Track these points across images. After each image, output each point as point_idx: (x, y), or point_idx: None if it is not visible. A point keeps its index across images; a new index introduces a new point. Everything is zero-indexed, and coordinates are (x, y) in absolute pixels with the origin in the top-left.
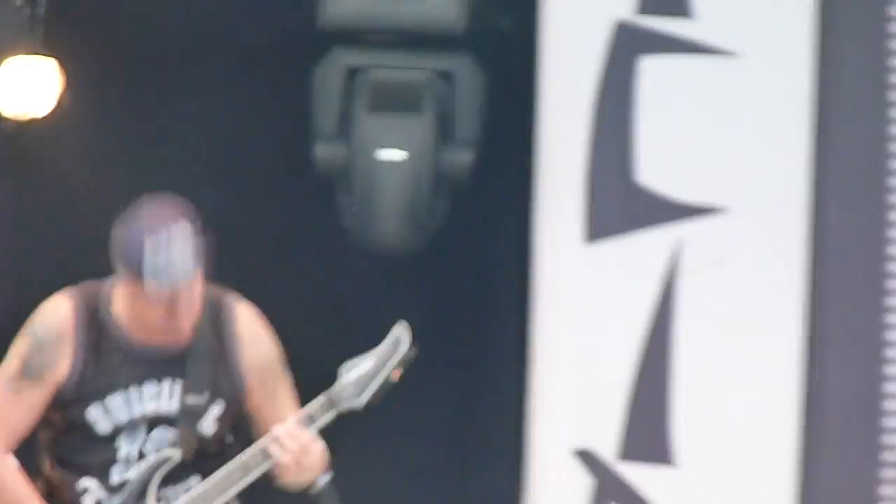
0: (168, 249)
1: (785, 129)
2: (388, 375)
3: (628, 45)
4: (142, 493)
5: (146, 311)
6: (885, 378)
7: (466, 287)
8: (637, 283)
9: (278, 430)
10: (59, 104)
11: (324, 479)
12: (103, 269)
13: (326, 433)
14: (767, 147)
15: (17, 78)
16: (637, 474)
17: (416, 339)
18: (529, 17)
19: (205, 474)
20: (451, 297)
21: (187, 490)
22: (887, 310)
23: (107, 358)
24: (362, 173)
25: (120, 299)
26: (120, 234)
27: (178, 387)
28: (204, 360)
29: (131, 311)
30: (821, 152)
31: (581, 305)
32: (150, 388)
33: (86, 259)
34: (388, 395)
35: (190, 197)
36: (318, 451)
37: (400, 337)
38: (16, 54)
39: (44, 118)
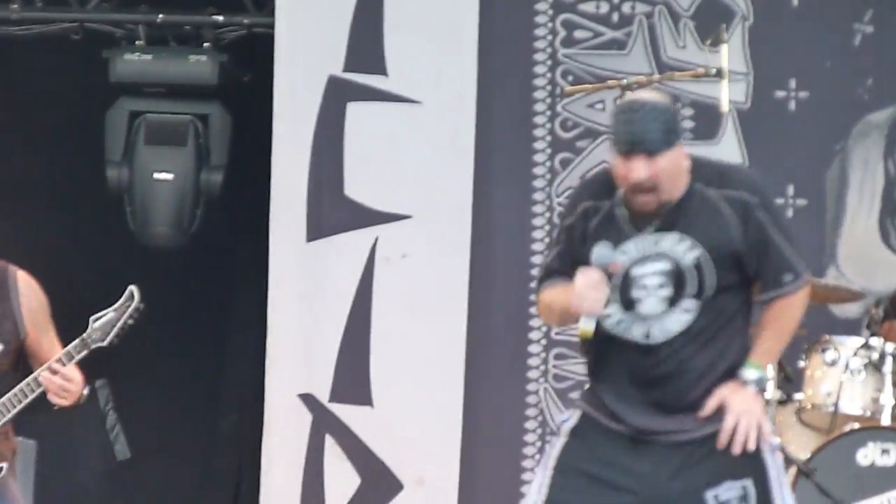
0: None
1: (455, 157)
2: (126, 321)
3: (338, 94)
4: None
5: None
6: (528, 342)
7: (217, 273)
8: (345, 271)
9: (49, 363)
10: None
11: (85, 391)
12: None
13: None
14: (442, 170)
15: None
16: (345, 412)
17: (180, 313)
18: (266, 73)
19: None
20: (206, 282)
21: None
22: (528, 287)
23: None
24: (141, 190)
25: None
26: None
27: None
28: None
29: None
30: (479, 178)
31: (304, 288)
32: None
33: None
34: (159, 368)
35: (21, 207)
36: (77, 378)
37: (132, 293)
38: None
39: None
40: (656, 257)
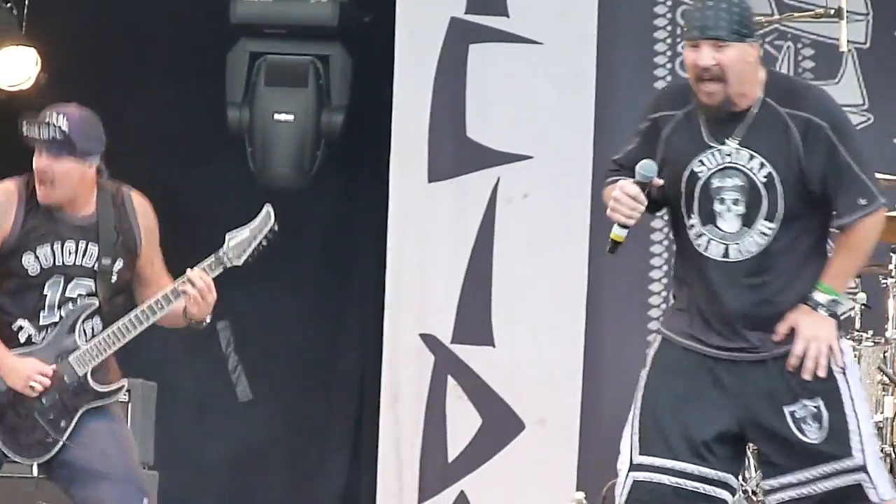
0: (35, 127)
1: (576, 97)
2: (261, 241)
3: (460, 36)
4: (70, 329)
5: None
6: (650, 280)
7: (338, 215)
8: (467, 212)
9: (189, 273)
10: (37, 81)
11: (208, 319)
12: None
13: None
14: (563, 110)
15: (6, 62)
16: (466, 353)
17: (300, 254)
18: (387, 14)
19: (105, 317)
20: (326, 223)
21: (94, 328)
22: (649, 226)
23: (38, 220)
24: (262, 131)
25: None
26: None
27: (92, 248)
28: (109, 228)
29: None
30: (601, 118)
31: (424, 229)
32: (69, 246)
33: None
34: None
35: (142, 147)
36: (213, 294)
37: (269, 213)
38: (5, 45)
39: (27, 90)
40: (732, 171)
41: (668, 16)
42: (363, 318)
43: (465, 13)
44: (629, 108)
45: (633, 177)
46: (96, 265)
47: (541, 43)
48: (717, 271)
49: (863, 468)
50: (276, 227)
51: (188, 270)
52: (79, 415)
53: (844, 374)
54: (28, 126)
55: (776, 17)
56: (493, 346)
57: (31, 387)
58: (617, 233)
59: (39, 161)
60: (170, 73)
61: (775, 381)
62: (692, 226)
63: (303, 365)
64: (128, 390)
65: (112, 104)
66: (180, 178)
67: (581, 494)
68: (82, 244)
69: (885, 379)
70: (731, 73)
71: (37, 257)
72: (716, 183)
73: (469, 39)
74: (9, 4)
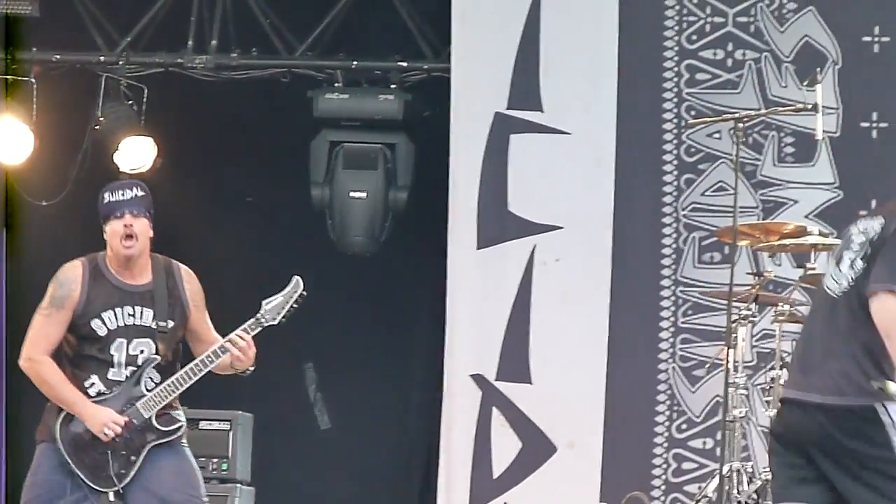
0: (119, 193)
1: (599, 177)
2: (292, 305)
3: (503, 127)
4: (137, 381)
5: (114, 241)
6: (659, 329)
7: (403, 276)
8: (509, 273)
9: (232, 335)
10: (153, 165)
11: (251, 369)
12: None
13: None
14: (588, 188)
15: (128, 149)
16: (508, 389)
17: (374, 309)
18: (443, 109)
19: (163, 369)
20: (394, 283)
21: (155, 378)
22: (659, 284)
23: (102, 290)
24: (340, 206)
25: (108, 251)
26: (98, 201)
27: (148, 312)
28: (163, 295)
29: (110, 253)
30: (619, 195)
31: (475, 286)
32: (128, 310)
33: None
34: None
35: (237, 222)
36: (253, 349)
37: (297, 282)
38: (127, 135)
39: (145, 173)
40: None
41: (675, 110)
42: (426, 362)
43: (507, 108)
44: (644, 184)
45: None
46: (154, 324)
47: (569, 133)
48: None
49: None
50: (304, 293)
51: (232, 334)
52: (146, 451)
53: None
54: (110, 192)
55: (763, 111)
56: (531, 383)
57: (105, 433)
58: None
59: (124, 220)
60: (263, 158)
61: None
62: None
63: (377, 400)
64: (229, 420)
65: (217, 185)
66: (271, 248)
67: None
68: (138, 308)
69: None
70: None
71: (103, 321)
72: None
73: (510, 130)
74: (130, 102)
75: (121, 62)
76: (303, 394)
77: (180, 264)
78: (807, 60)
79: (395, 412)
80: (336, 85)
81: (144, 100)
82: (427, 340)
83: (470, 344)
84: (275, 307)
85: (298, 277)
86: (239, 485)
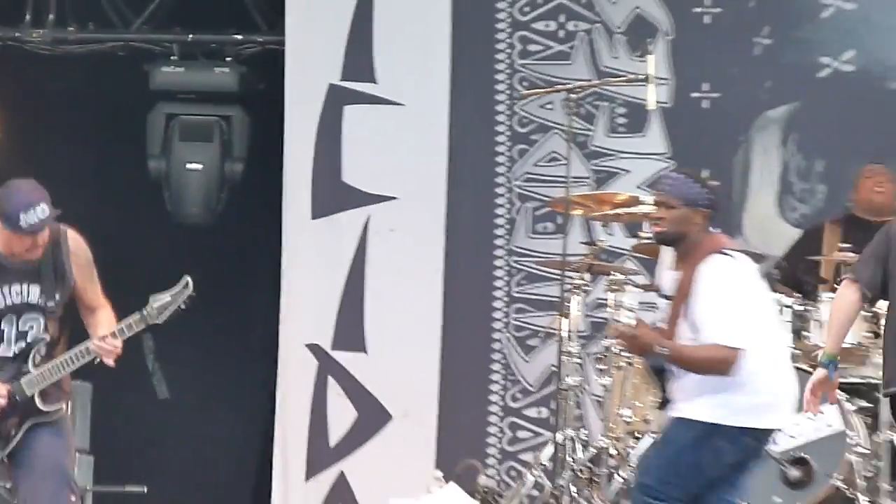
0: (32, 216)
1: (432, 148)
2: (179, 305)
3: (337, 99)
4: (24, 359)
5: (17, 244)
6: (493, 299)
7: (239, 246)
8: (343, 243)
9: (102, 337)
10: None
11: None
12: None
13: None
14: (421, 159)
15: None
16: (344, 358)
17: (210, 279)
18: (277, 82)
19: (50, 348)
20: (230, 253)
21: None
22: (493, 253)
23: None
24: (176, 178)
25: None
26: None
27: (34, 288)
28: (49, 271)
29: (6, 245)
30: (452, 165)
31: (310, 257)
32: (16, 288)
33: None
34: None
35: (74, 195)
36: (119, 351)
37: (187, 283)
38: None
39: None
40: None
41: (508, 82)
42: (264, 331)
43: (341, 80)
44: (477, 155)
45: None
46: (41, 300)
47: (403, 104)
48: None
49: None
50: (193, 293)
51: (99, 334)
52: (25, 427)
53: None
54: (24, 213)
55: (595, 82)
56: (366, 352)
57: None
58: None
59: (32, 239)
60: (100, 131)
61: None
62: None
63: (215, 370)
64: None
65: (55, 158)
66: (108, 218)
67: (439, 473)
68: (25, 286)
69: None
70: None
71: None
72: None
73: (344, 101)
74: None
75: None
76: (141, 363)
77: (68, 229)
78: (638, 31)
79: (233, 381)
80: (172, 58)
81: None
82: (264, 310)
83: (306, 313)
84: (162, 306)
85: (188, 278)
86: (78, 453)
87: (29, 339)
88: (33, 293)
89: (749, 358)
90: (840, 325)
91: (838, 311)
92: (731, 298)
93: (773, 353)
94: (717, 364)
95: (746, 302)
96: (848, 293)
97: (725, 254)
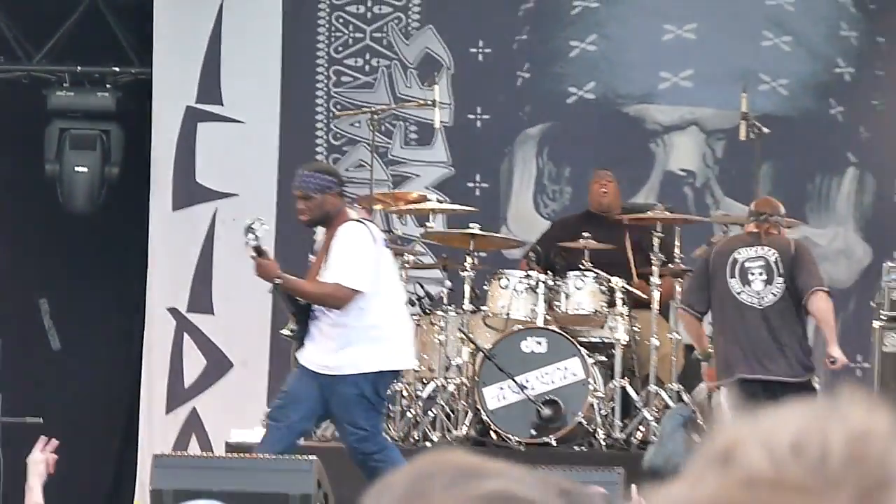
0: None
1: (266, 156)
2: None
3: (192, 117)
4: None
5: None
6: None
7: (116, 230)
8: (197, 229)
9: None
10: None
11: None
12: None
13: None
14: (257, 164)
15: None
16: (197, 318)
17: (92, 256)
18: (146, 103)
19: None
20: (109, 235)
21: None
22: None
23: None
24: (67, 178)
25: None
26: None
27: None
28: None
29: None
30: (282, 169)
31: (171, 240)
32: None
33: None
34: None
35: None
36: None
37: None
38: None
39: None
40: None
41: (325, 105)
42: (135, 297)
43: (196, 102)
44: (301, 162)
45: None
46: None
47: (243, 122)
48: None
49: None
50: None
51: None
52: None
53: None
54: None
55: (393, 105)
56: (214, 314)
57: None
58: None
59: None
60: (5, 143)
61: None
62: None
63: (96, 328)
64: None
65: None
66: (12, 210)
67: (267, 410)
68: None
69: (463, 336)
70: None
71: None
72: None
73: (198, 119)
74: None
75: None
76: (39, 322)
77: None
78: (427, 66)
79: (111, 336)
80: (64, 85)
81: None
82: (136, 281)
83: (167, 284)
84: None
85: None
86: None
87: None
88: None
89: (375, 306)
90: (697, 338)
91: (689, 332)
92: (355, 252)
93: (394, 302)
94: (329, 297)
95: (369, 257)
96: (686, 319)
97: (359, 221)
